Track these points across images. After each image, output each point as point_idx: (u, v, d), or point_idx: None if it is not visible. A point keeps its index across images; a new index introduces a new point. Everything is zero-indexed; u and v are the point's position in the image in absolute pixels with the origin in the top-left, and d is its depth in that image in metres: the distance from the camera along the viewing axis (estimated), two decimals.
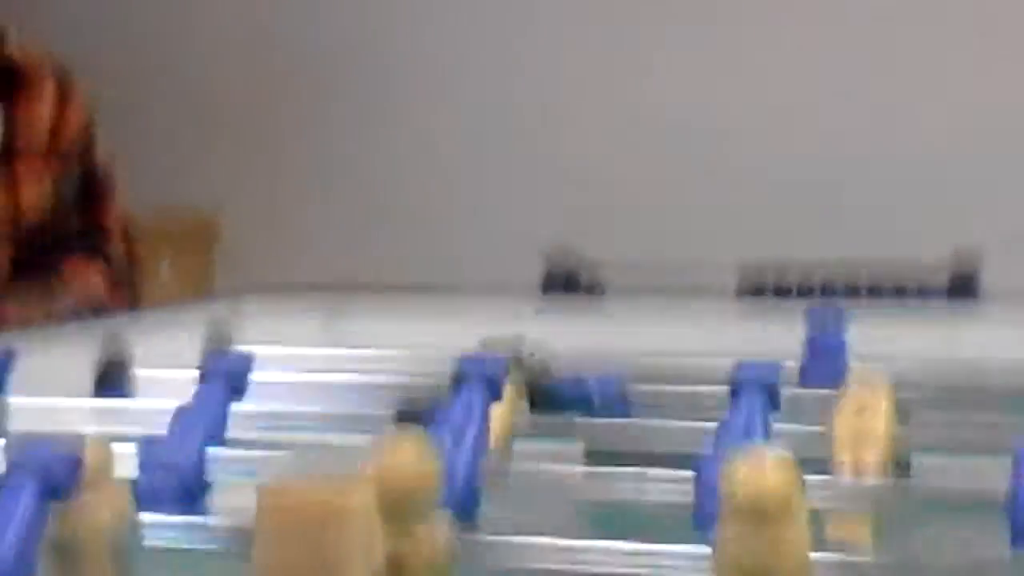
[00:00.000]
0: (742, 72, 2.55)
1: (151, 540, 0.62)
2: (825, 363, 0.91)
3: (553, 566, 0.59)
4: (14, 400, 0.87)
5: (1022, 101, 2.44)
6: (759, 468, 0.54)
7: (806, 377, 0.92)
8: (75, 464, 0.61)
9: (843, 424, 0.75)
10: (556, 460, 0.74)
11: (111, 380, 0.96)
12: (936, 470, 0.72)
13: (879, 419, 0.76)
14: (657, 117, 2.58)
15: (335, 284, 1.25)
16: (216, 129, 2.83)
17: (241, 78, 2.83)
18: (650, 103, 2.59)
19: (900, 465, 0.80)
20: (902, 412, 0.78)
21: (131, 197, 2.79)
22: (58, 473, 0.59)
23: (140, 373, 0.93)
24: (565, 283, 1.25)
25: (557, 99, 2.64)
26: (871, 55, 2.50)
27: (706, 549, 0.55)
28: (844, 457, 0.73)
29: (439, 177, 2.71)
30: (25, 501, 0.58)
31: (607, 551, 0.58)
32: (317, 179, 2.80)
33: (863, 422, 0.75)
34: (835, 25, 2.52)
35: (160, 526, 0.64)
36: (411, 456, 0.58)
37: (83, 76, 2.89)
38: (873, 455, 0.74)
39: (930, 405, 0.84)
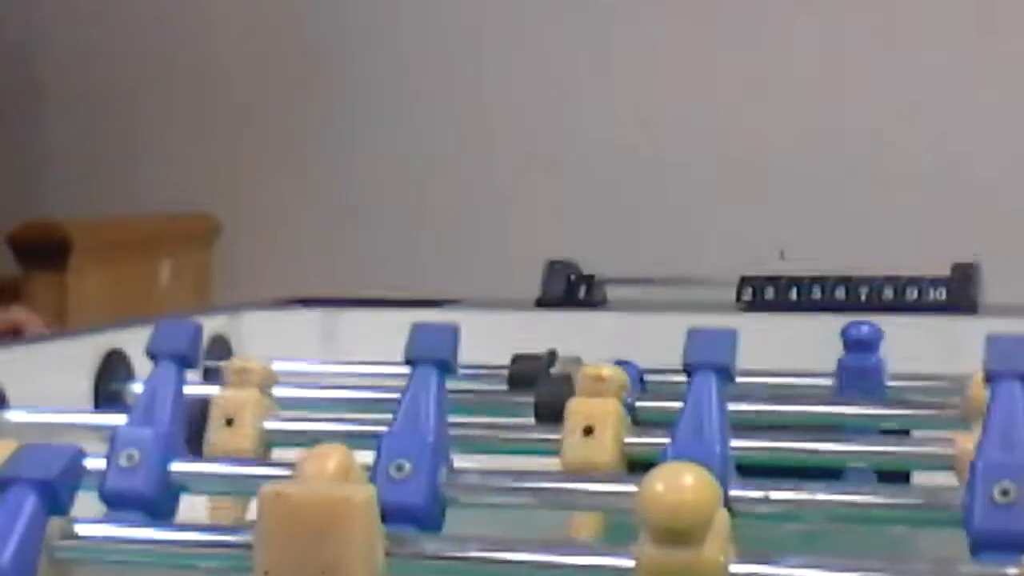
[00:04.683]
0: (745, 77, 2.55)
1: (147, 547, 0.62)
2: (862, 380, 0.91)
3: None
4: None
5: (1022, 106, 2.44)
6: (675, 485, 0.51)
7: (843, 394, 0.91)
8: (76, 475, 0.61)
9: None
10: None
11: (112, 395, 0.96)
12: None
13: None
14: (659, 123, 2.58)
15: (334, 296, 1.25)
16: (218, 129, 2.83)
17: (243, 79, 2.82)
18: (651, 108, 2.59)
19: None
20: None
21: (132, 197, 2.80)
22: (58, 484, 0.59)
23: (137, 388, 0.92)
24: (565, 294, 1.25)
25: (559, 105, 2.64)
26: (873, 58, 2.50)
27: (630, 562, 0.53)
28: None
29: (439, 184, 2.70)
30: (25, 512, 0.58)
31: (532, 563, 0.56)
32: (318, 179, 2.80)
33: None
34: (837, 26, 2.52)
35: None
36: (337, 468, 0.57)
37: (84, 75, 2.89)
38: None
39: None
